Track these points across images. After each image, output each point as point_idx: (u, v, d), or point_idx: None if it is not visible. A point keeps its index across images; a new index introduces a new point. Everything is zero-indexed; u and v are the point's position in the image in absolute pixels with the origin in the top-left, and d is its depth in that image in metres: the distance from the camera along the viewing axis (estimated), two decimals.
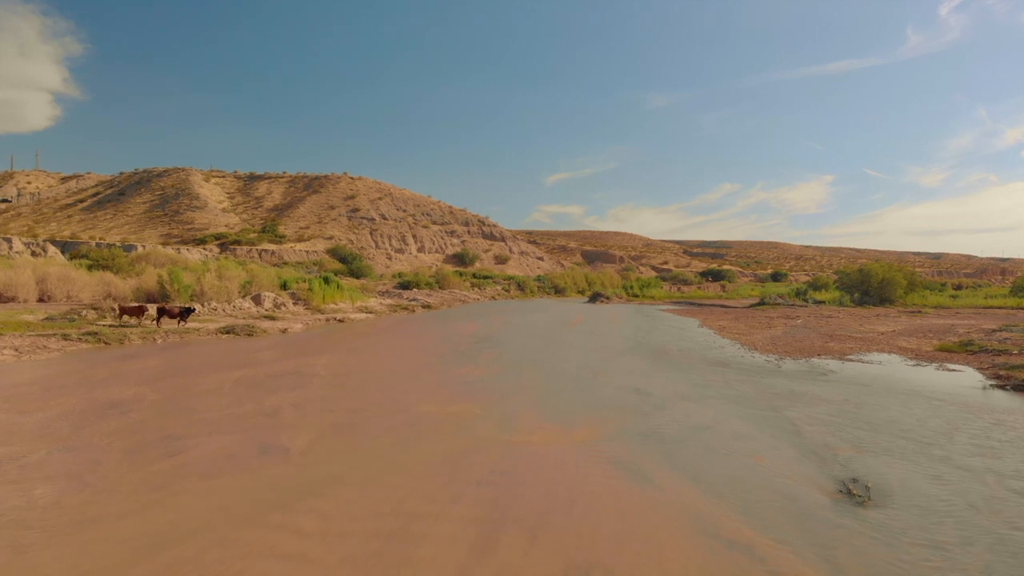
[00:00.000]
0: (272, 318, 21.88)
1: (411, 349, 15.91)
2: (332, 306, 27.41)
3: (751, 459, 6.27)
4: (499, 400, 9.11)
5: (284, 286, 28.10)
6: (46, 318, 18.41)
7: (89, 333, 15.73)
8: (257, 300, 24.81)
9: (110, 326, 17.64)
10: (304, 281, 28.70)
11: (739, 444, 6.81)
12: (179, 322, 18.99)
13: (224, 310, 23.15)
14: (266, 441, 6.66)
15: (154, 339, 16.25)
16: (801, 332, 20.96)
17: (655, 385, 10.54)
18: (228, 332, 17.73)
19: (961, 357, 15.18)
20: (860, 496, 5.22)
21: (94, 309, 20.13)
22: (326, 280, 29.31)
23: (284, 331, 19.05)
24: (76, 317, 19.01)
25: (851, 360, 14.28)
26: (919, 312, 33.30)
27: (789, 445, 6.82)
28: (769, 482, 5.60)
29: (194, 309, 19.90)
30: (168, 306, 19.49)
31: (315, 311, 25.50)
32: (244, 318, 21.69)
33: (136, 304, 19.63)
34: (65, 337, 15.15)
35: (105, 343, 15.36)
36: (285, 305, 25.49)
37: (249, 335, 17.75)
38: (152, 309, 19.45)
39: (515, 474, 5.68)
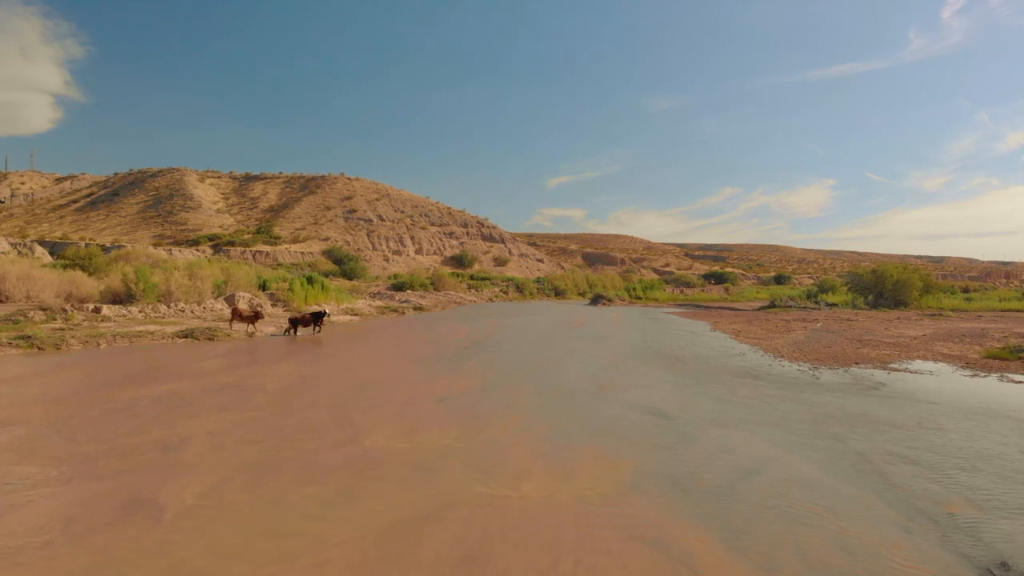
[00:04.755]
0: None
1: (388, 356, 13.95)
2: (315, 308, 25.44)
3: (834, 525, 4.31)
4: (480, 425, 7.15)
5: (263, 286, 26.16)
6: None
7: (22, 337, 13.79)
8: (231, 301, 22.85)
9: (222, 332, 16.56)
10: (285, 281, 26.76)
11: (809, 498, 4.86)
12: (314, 329, 17.90)
13: (193, 311, 21.22)
14: (140, 492, 4.70)
15: (97, 343, 14.30)
16: (826, 336, 19.00)
17: (676, 403, 8.57)
18: (186, 336, 15.77)
19: (1018, 365, 13.26)
20: None
21: (43, 310, 18.19)
22: (309, 280, 27.37)
23: (251, 335, 17.08)
24: (22, 318, 17.06)
25: (896, 370, 12.32)
26: (940, 315, 31.40)
27: (878, 498, 4.87)
28: (876, 570, 3.65)
29: (327, 313, 18.33)
30: (301, 314, 18.58)
31: (295, 313, 23.54)
32: (213, 320, 19.74)
33: (253, 311, 18.22)
34: None
35: (39, 348, 13.41)
36: (262, 306, 23.55)
37: (210, 339, 15.79)
38: (266, 315, 18.33)
39: (489, 562, 3.72)
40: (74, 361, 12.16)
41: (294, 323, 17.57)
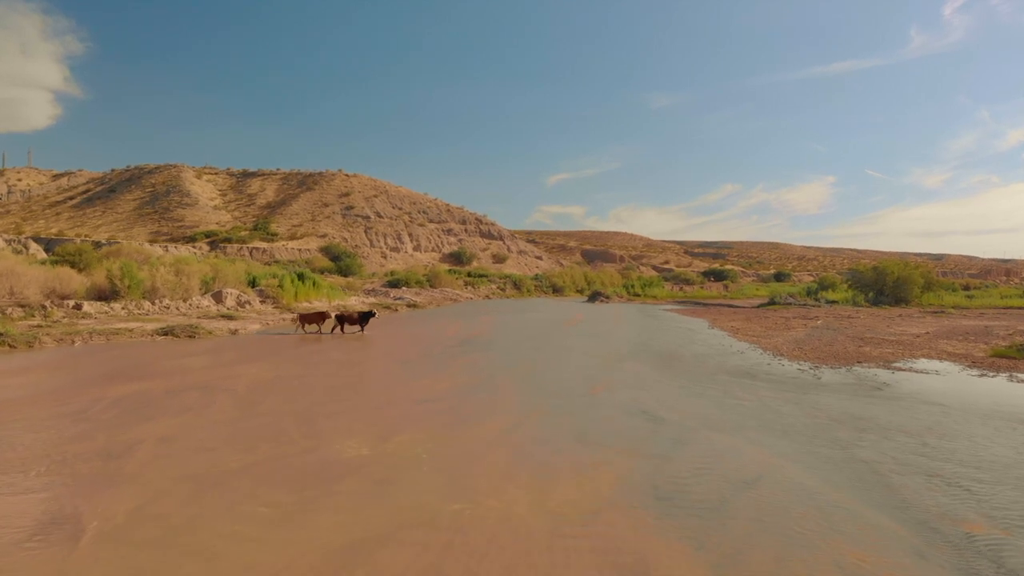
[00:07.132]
0: (230, 317, 19.43)
1: (373, 354, 13.46)
2: (305, 305, 24.96)
3: (838, 548, 3.82)
4: (457, 431, 6.66)
5: (253, 283, 25.65)
6: None
7: None
8: (218, 297, 22.36)
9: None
10: (275, 277, 26.25)
11: (809, 515, 4.36)
12: (359, 329, 17.49)
13: (179, 308, 20.72)
14: (64, 508, 4.21)
15: (72, 341, 13.81)
16: (826, 334, 18.50)
17: (669, 405, 8.08)
18: (166, 334, 15.27)
19: None
20: None
21: (22, 307, 17.69)
22: (300, 277, 26.86)
23: (234, 332, 16.58)
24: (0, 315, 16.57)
25: (900, 369, 11.83)
26: (942, 312, 30.99)
27: (887, 515, 4.37)
28: None
29: (374, 313, 17.92)
30: (347, 312, 18.27)
31: (284, 310, 23.04)
32: (199, 317, 19.24)
33: (317, 311, 17.96)
34: None
35: (11, 346, 12.93)
36: (250, 303, 23.06)
37: (191, 337, 15.29)
38: (333, 316, 17.81)
39: None
40: (44, 360, 11.67)
41: (340, 320, 17.47)
